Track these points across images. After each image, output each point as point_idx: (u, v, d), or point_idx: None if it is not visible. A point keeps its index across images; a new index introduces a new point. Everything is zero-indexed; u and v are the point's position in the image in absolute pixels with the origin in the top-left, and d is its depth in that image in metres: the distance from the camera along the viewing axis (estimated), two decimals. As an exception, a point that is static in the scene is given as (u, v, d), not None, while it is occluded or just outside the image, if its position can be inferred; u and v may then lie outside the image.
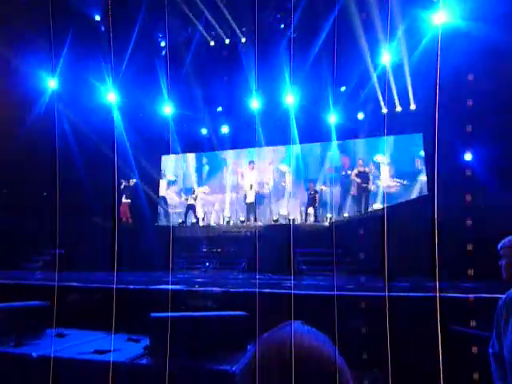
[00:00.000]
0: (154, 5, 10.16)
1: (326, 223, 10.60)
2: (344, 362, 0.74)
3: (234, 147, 13.87)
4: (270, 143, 12.98)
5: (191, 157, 14.64)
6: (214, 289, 3.63)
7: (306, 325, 0.81)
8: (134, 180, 11.80)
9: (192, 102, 12.62)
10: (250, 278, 5.99)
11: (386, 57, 10.91)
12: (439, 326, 2.53)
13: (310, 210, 10.99)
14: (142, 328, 2.68)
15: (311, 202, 11.03)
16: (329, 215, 11.49)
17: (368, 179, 9.84)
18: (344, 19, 9.23)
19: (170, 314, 2.58)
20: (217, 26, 10.82)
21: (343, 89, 11.93)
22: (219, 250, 8.84)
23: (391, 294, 3.50)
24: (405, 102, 11.91)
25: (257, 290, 3.42)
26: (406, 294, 3.35)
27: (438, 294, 3.09)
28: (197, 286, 4.18)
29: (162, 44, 11.61)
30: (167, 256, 8.68)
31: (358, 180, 10.01)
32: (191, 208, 11.71)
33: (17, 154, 9.71)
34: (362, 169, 10.05)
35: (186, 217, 11.73)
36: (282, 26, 10.53)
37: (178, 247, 9.03)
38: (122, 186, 11.50)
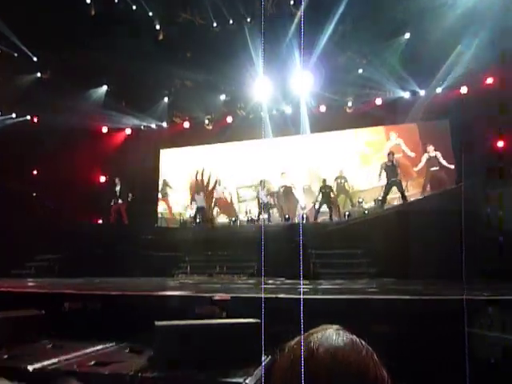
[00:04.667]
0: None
1: (343, 220, 10.59)
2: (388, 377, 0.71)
3: (240, 139, 13.88)
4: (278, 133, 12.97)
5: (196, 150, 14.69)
6: (222, 294, 3.64)
7: (343, 331, 0.77)
8: (131, 195, 11.72)
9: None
10: (260, 283, 6.00)
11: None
12: (466, 331, 2.51)
13: (324, 208, 10.92)
14: (145, 338, 2.70)
15: (325, 199, 10.95)
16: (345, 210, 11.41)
17: (396, 172, 9.72)
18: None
19: (175, 322, 2.59)
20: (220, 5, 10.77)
21: (360, 71, 11.84)
22: (225, 252, 8.87)
23: (421, 297, 3.47)
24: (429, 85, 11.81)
25: (262, 295, 3.41)
26: (435, 296, 3.33)
27: (464, 297, 3.06)
28: (204, 292, 4.20)
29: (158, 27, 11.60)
30: (170, 259, 8.75)
31: (385, 172, 9.90)
32: (201, 210, 11.62)
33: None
34: (390, 159, 9.89)
35: (195, 217, 11.68)
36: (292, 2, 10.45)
37: (181, 250, 9.08)
38: (118, 187, 11.52)
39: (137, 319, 3.17)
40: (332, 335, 0.77)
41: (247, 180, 13.80)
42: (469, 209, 5.23)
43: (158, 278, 7.57)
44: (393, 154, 9.97)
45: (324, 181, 11.29)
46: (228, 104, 13.61)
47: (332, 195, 11.09)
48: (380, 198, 10.30)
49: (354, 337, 0.77)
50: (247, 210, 12.83)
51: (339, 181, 12.00)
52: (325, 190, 11.11)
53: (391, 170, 9.69)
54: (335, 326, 0.81)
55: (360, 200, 11.64)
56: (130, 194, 11.59)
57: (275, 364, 0.79)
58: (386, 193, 9.91)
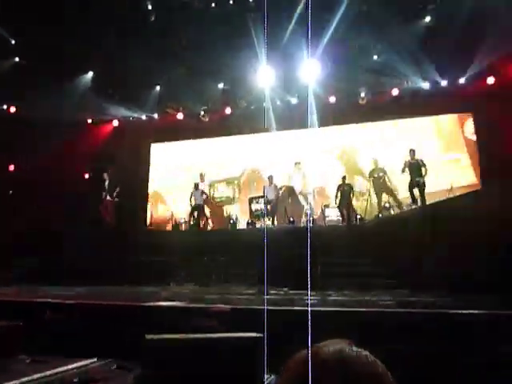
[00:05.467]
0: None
1: (355, 224, 10.58)
2: None
3: (240, 132, 13.91)
4: (286, 127, 12.99)
5: (188, 145, 14.72)
6: (220, 306, 3.65)
7: (354, 346, 0.79)
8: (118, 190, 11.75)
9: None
10: (261, 293, 6.01)
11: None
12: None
13: (343, 211, 10.83)
14: (134, 353, 2.71)
15: (345, 200, 10.87)
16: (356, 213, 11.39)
17: (420, 171, 9.66)
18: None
19: (167, 336, 2.60)
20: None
21: (375, 58, 11.83)
22: (223, 258, 8.87)
23: (443, 310, 3.48)
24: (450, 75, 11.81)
25: (265, 307, 3.43)
26: (460, 311, 3.33)
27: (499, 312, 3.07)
28: (200, 303, 4.21)
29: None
30: (162, 266, 8.75)
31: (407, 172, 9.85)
32: (198, 208, 11.64)
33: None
34: (412, 157, 9.84)
35: (190, 219, 11.68)
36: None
37: (174, 255, 9.09)
38: (106, 182, 11.56)
39: (125, 332, 3.19)
40: (344, 349, 0.77)
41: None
42: (496, 212, 5.24)
43: (148, 287, 7.58)
44: (414, 152, 9.93)
45: (344, 178, 11.21)
46: (227, 93, 13.61)
47: (351, 195, 10.94)
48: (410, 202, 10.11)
49: (367, 352, 0.78)
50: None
51: (376, 175, 11.79)
52: (343, 188, 10.99)
53: (415, 167, 9.67)
54: (346, 341, 0.81)
55: (387, 205, 11.49)
56: (117, 191, 11.61)
57: (280, 381, 0.80)
58: (412, 192, 9.84)
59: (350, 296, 5.72)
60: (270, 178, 11.68)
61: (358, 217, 10.96)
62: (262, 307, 3.45)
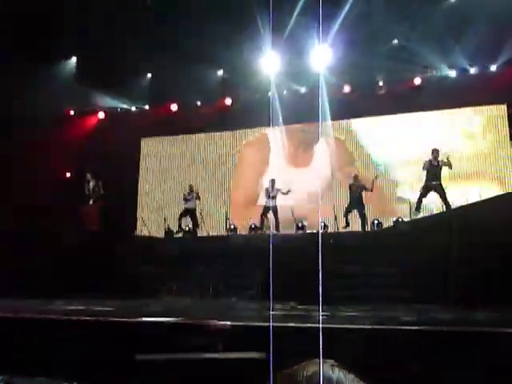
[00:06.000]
0: None
1: (371, 231, 10.56)
2: None
3: (240, 126, 13.93)
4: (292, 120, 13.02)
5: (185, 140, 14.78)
6: (217, 322, 3.66)
7: (338, 367, 0.76)
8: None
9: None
10: (266, 307, 6.02)
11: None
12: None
13: (353, 214, 10.81)
14: (123, 374, 2.73)
15: (356, 202, 10.85)
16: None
17: (439, 174, 9.62)
18: None
19: (161, 355, 2.63)
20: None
21: (395, 42, 11.80)
22: (221, 269, 8.89)
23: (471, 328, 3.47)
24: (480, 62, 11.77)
25: (271, 323, 3.44)
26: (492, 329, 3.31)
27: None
28: (196, 318, 4.22)
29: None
30: (153, 277, 8.77)
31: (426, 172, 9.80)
32: (189, 212, 11.63)
33: None
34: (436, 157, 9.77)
35: (180, 224, 11.69)
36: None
37: (166, 265, 9.10)
38: (91, 185, 11.55)
39: (112, 352, 3.20)
40: (326, 371, 0.75)
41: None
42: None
43: (138, 301, 7.59)
44: (437, 152, 9.82)
45: (355, 177, 11.14)
46: (227, 82, 13.65)
47: (363, 195, 10.87)
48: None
49: (353, 376, 0.76)
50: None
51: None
52: (355, 189, 10.91)
53: (434, 170, 9.62)
54: (329, 361, 0.79)
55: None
56: (101, 193, 11.58)
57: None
58: (422, 197, 9.84)
59: (366, 312, 5.72)
60: (272, 182, 11.36)
61: (376, 222, 10.96)
62: (267, 324, 3.45)
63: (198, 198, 11.83)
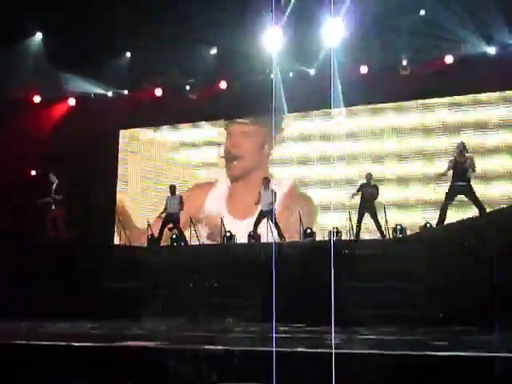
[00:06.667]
0: None
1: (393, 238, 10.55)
2: None
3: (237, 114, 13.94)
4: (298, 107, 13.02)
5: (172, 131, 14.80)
6: (210, 347, 3.66)
7: None
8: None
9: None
10: (268, 329, 6.02)
11: None
12: None
13: (366, 219, 10.83)
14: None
15: (366, 205, 10.91)
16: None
17: (468, 173, 9.57)
18: None
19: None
20: None
21: (422, 13, 11.77)
22: (215, 284, 8.91)
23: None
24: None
25: (273, 348, 3.45)
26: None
27: None
28: (184, 343, 4.21)
29: None
30: (133, 294, 8.78)
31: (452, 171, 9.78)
32: (172, 219, 11.58)
33: None
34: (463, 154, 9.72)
35: (161, 232, 11.67)
36: None
37: (149, 280, 9.12)
38: (54, 185, 11.45)
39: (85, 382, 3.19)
40: None
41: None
42: None
43: (116, 322, 7.60)
44: (463, 146, 9.76)
45: (368, 176, 11.14)
46: (221, 62, 13.62)
47: (376, 197, 10.88)
48: None
49: None
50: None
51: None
52: (366, 189, 10.92)
53: (463, 169, 9.57)
54: None
55: None
56: (60, 196, 11.30)
57: None
58: (450, 200, 9.78)
59: (388, 334, 5.71)
60: (266, 180, 11.41)
61: (399, 227, 10.96)
62: (269, 349, 3.44)
63: (181, 201, 11.70)
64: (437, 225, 9.85)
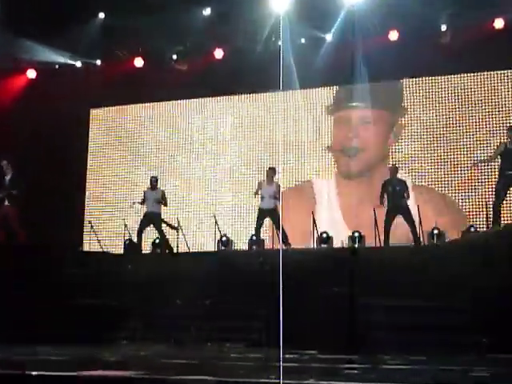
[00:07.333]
0: None
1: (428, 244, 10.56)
2: None
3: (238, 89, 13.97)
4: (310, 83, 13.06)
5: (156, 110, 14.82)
6: (198, 377, 3.67)
7: None
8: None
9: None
10: (273, 358, 6.05)
11: None
12: None
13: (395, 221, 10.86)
14: None
15: (395, 204, 10.97)
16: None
17: None
18: None
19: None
20: None
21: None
22: (207, 302, 8.95)
23: None
24: None
25: (281, 380, 3.49)
26: None
27: None
28: (167, 373, 4.22)
29: None
30: (106, 314, 8.80)
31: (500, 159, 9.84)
32: (153, 219, 11.50)
33: None
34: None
35: (139, 236, 11.64)
36: None
37: (126, 297, 9.14)
38: (8, 177, 11.41)
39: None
40: None
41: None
42: None
43: (84, 347, 7.63)
44: None
45: (394, 170, 11.27)
46: (217, 26, 13.62)
47: (405, 195, 10.90)
48: None
49: None
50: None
51: None
52: (392, 187, 11.05)
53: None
54: None
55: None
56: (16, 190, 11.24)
57: None
58: (503, 194, 9.81)
59: (419, 364, 5.72)
60: (271, 171, 11.51)
61: (436, 232, 10.98)
62: (275, 380, 3.44)
63: (164, 197, 11.60)
64: (492, 227, 9.93)
